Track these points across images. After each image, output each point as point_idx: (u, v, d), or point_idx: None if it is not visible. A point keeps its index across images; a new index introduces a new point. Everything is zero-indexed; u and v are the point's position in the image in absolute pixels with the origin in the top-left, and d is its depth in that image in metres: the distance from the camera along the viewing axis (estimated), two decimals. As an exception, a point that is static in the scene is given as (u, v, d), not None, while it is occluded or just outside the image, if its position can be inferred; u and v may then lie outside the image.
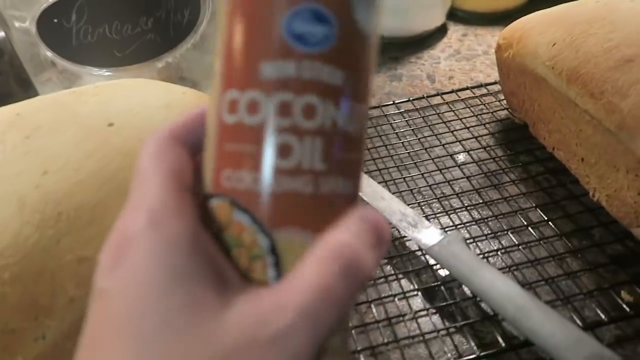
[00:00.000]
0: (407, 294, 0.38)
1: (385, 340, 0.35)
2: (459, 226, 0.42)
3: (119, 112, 0.34)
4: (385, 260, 0.41)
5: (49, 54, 0.48)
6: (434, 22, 0.73)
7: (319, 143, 0.16)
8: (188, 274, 0.14)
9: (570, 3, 0.46)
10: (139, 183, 0.16)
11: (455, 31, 0.75)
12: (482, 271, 0.35)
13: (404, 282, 0.39)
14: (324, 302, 0.14)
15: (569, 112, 0.41)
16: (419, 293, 0.38)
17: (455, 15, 0.77)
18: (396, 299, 0.38)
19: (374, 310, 0.37)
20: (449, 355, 0.34)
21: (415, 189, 0.47)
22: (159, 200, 0.15)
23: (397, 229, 0.41)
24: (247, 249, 0.16)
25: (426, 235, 0.39)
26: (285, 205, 0.15)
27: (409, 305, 0.37)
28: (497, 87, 0.58)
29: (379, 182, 0.47)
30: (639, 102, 0.33)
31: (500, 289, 0.33)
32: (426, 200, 0.45)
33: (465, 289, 0.38)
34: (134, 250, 0.15)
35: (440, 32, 0.75)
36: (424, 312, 0.37)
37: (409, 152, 0.51)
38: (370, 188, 0.44)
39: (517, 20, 0.49)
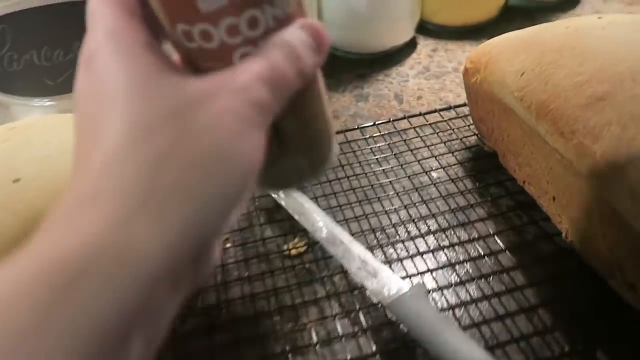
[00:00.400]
0: (366, 358, 0.34)
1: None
2: (424, 273, 0.39)
3: (28, 163, 0.30)
4: (343, 314, 0.37)
5: (-30, 84, 0.43)
6: (403, 37, 0.69)
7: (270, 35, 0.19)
8: (147, 59, 0.17)
9: (540, 26, 0.43)
10: (91, 14, 0.18)
11: (425, 46, 0.72)
12: (445, 334, 0.31)
13: (362, 340, 0.35)
14: (274, 71, 0.18)
15: (539, 147, 0.37)
16: (377, 356, 0.34)
17: (425, 28, 0.74)
18: (352, 361, 0.34)
19: (327, 375, 0.33)
20: None
21: (378, 227, 0.43)
22: (111, 21, 0.17)
23: (355, 279, 0.37)
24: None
25: (387, 287, 0.35)
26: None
27: (366, 369, 0.34)
28: (466, 110, 0.55)
29: (338, 221, 0.44)
30: (612, 146, 0.30)
31: (464, 356, 0.30)
32: (390, 242, 0.42)
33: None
34: (99, 55, 0.17)
35: (409, 46, 0.71)
36: (383, 378, 0.33)
37: (372, 185, 0.47)
38: (326, 229, 0.40)
39: (485, 44, 0.45)
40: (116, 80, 0.16)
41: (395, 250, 0.41)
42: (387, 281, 0.36)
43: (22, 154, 0.30)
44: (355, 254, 0.38)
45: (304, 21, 0.19)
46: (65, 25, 0.42)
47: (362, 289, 0.38)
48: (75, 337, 0.13)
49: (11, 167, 0.29)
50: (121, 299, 0.13)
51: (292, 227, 0.44)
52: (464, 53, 0.69)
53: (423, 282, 0.38)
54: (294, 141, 0.22)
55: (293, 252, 0.42)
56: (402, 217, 0.44)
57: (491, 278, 0.38)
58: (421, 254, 0.40)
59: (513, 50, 0.41)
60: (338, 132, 0.54)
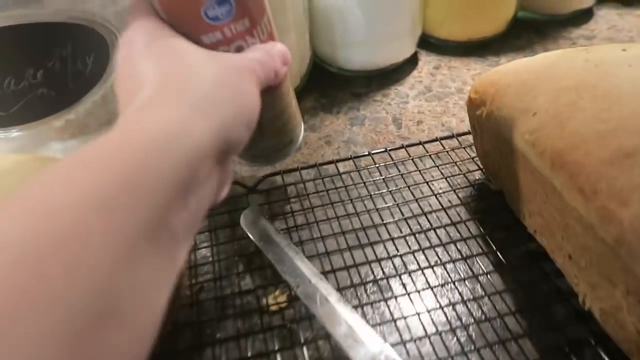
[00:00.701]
0: None
1: None
2: (421, 339, 0.34)
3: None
4: (327, 388, 0.32)
5: None
6: (404, 54, 0.64)
7: None
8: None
9: (554, 55, 0.38)
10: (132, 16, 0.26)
11: (427, 62, 0.67)
12: None
13: (347, 423, 0.31)
14: (265, 62, 0.28)
15: (553, 199, 0.33)
16: None
17: (427, 42, 0.69)
18: None
19: None
20: None
21: (370, 280, 0.38)
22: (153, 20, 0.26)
23: (341, 346, 0.33)
24: None
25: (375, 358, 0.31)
26: None
27: None
28: (470, 138, 0.50)
29: (326, 271, 0.39)
30: (644, 214, 0.25)
31: None
32: (383, 297, 0.37)
33: None
34: (136, 36, 0.25)
35: (410, 63, 0.66)
36: None
37: (364, 227, 0.43)
38: (310, 283, 0.36)
39: (491, 72, 0.40)
40: (186, 47, 0.25)
41: (388, 307, 0.36)
42: (377, 352, 0.31)
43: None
44: (342, 317, 0.34)
45: (275, 42, 0.30)
46: (15, 51, 0.37)
47: None
48: (168, 178, 0.19)
49: None
50: (188, 161, 0.20)
51: (273, 275, 0.39)
52: (468, 72, 0.64)
53: (419, 352, 0.33)
54: (268, 128, 0.35)
55: (273, 307, 0.37)
56: (397, 266, 0.39)
57: (496, 347, 0.33)
58: (418, 314, 0.36)
59: (523, 84, 0.36)
60: (327, 163, 0.49)
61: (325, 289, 0.36)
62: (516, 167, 0.37)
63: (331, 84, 0.63)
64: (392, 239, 0.41)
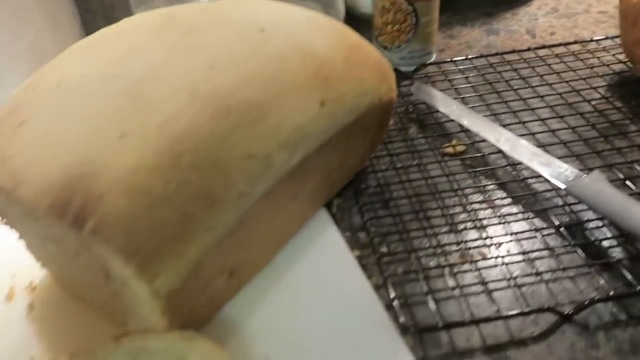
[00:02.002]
0: (543, 231, 0.36)
1: (530, 272, 0.33)
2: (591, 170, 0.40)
3: (266, 21, 0.33)
4: (510, 200, 0.39)
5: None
6: (530, -22, 0.70)
7: None
8: None
9: None
10: None
11: (551, -11, 0.72)
12: (635, 208, 0.33)
13: (536, 221, 0.37)
14: None
15: None
16: (555, 230, 0.36)
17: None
18: (529, 234, 0.36)
19: (510, 245, 0.35)
20: (600, 290, 0.32)
21: (534, 132, 0.45)
22: None
23: (529, 167, 0.39)
24: None
25: (564, 172, 0.37)
26: None
27: (546, 242, 0.36)
28: (609, 43, 0.55)
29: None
30: None
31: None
32: (548, 144, 0.43)
33: (604, 229, 0.36)
34: None
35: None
36: (563, 249, 0.35)
37: (523, 99, 0.49)
38: (490, 128, 0.43)
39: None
40: None
41: (557, 153, 0.43)
42: (563, 169, 0.38)
43: (257, 14, 0.34)
44: (525, 149, 0.40)
45: None
46: None
47: (524, 180, 0.40)
48: None
49: (254, 21, 0.32)
50: None
51: (449, 128, 0.46)
52: (594, -4, 0.68)
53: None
54: (420, 31, 0.51)
55: (451, 150, 0.44)
56: (555, 126, 0.45)
57: (659, 179, 0.39)
58: (582, 155, 0.42)
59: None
60: (477, 57, 0.56)
61: (503, 131, 0.42)
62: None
63: (461, 5, 0.69)
64: (550, 106, 0.47)
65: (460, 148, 0.45)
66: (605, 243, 0.35)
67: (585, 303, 0.31)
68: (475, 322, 0.31)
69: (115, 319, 0.32)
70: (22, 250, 0.35)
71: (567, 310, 0.31)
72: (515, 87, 0.51)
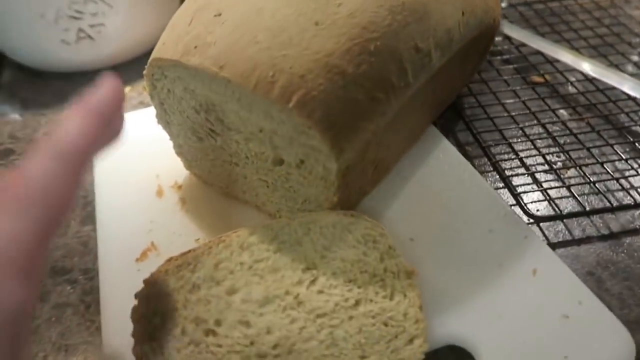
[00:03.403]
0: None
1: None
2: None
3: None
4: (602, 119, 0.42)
5: None
6: None
7: None
8: None
9: None
10: None
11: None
12: None
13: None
14: None
15: None
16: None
17: None
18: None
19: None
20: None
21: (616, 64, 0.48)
22: None
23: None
24: None
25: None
26: None
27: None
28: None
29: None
30: None
31: None
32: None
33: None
34: None
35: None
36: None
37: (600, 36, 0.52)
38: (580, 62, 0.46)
39: None
40: None
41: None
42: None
43: None
44: (614, 74, 0.44)
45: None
46: None
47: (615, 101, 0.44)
48: None
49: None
50: None
51: (533, 61, 0.49)
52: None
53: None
54: None
55: (539, 79, 0.48)
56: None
57: None
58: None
59: None
60: None
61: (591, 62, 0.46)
62: None
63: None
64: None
65: (547, 77, 0.48)
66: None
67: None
68: (590, 212, 0.35)
69: (268, 210, 0.35)
70: (163, 154, 0.38)
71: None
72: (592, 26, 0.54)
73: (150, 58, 0.31)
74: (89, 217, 0.38)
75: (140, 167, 0.39)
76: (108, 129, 0.21)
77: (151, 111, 0.39)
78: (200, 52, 0.28)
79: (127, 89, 0.51)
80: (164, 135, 0.37)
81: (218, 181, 0.37)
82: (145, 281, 0.28)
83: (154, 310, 0.27)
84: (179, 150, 0.37)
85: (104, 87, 0.21)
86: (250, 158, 0.33)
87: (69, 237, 0.36)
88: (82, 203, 0.39)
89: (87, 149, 0.19)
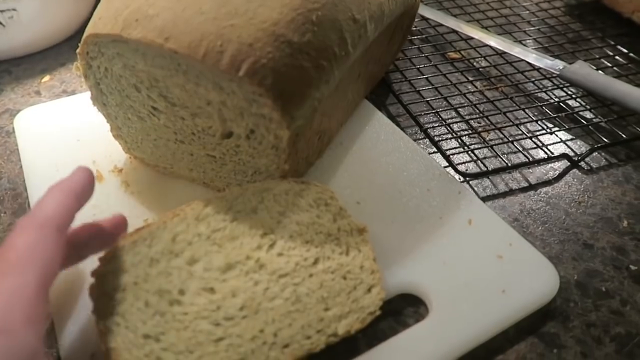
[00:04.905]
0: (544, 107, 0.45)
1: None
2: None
3: None
4: (512, 88, 0.47)
5: None
6: None
7: None
8: None
9: None
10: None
11: None
12: (616, 84, 0.42)
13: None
14: None
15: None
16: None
17: None
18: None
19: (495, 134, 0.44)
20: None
21: (520, 40, 0.54)
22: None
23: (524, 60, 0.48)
24: None
25: (552, 63, 0.46)
26: None
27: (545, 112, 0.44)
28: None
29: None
30: None
31: (635, 94, 0.41)
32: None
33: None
34: None
35: None
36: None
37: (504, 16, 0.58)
38: (492, 39, 0.51)
39: None
40: None
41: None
42: (551, 61, 0.47)
43: None
44: (520, 49, 0.49)
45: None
46: None
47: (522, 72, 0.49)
48: None
49: None
50: None
51: (449, 39, 0.54)
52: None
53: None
54: None
55: (456, 55, 0.52)
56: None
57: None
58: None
59: None
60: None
61: (501, 39, 0.50)
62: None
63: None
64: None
65: (463, 53, 0.52)
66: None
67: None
68: (510, 168, 0.39)
69: (216, 186, 0.35)
70: (98, 140, 0.37)
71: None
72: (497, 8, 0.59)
73: (85, 34, 0.30)
74: (22, 209, 0.36)
75: (74, 156, 0.37)
76: (78, 203, 0.26)
77: (79, 99, 0.38)
78: (142, 25, 0.28)
79: (46, 78, 0.49)
80: (97, 121, 0.35)
81: (162, 162, 0.36)
82: (101, 259, 0.27)
83: (113, 286, 0.26)
84: (117, 133, 0.36)
85: (76, 172, 0.27)
86: (196, 134, 0.33)
87: (1, 231, 0.34)
88: (10, 195, 0.37)
89: (61, 220, 0.24)
